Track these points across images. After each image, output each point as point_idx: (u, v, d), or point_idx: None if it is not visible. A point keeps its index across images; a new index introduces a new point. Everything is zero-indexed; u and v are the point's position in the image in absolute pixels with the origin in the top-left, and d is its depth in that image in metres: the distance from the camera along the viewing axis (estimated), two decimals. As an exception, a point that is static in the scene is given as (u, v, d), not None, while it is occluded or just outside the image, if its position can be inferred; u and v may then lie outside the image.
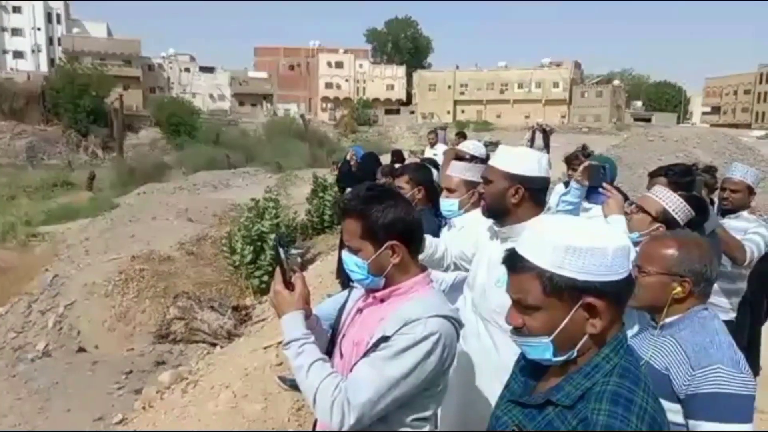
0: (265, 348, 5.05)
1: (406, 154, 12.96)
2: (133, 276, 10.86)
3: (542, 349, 1.24)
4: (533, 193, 2.25)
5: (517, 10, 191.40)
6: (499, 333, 2.17)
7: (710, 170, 4.29)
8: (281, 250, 1.80)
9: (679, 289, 1.82)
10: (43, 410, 6.11)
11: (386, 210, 1.69)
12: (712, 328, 1.79)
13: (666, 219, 2.56)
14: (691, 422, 1.68)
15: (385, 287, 1.75)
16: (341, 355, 1.79)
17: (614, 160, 4.59)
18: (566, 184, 4.96)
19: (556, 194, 4.88)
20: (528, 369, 1.37)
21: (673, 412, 1.72)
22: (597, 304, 1.20)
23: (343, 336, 1.83)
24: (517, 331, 1.28)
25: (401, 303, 1.70)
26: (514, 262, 1.26)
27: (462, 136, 11.41)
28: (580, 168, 3.17)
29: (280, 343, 5.17)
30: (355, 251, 1.73)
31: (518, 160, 2.27)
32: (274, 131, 48.45)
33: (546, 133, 12.18)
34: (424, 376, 1.60)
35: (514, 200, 2.23)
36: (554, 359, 1.24)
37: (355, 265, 1.73)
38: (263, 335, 5.93)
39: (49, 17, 62.72)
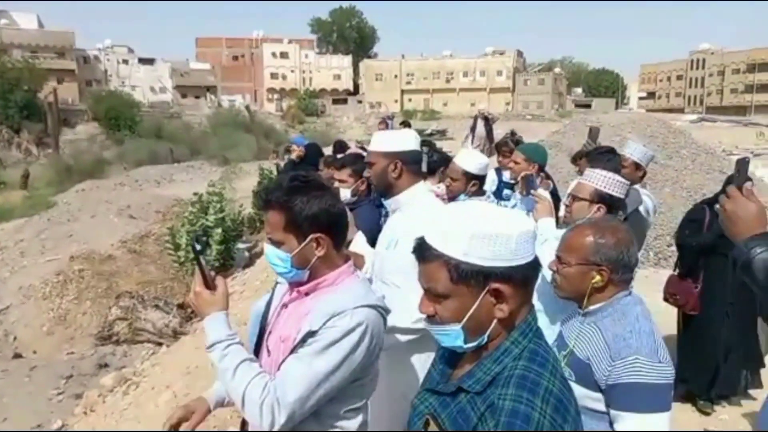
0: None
1: (352, 144, 12.94)
2: (72, 277, 10.50)
3: (454, 337, 1.26)
4: (409, 166, 2.43)
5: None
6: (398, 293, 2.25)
7: (613, 151, 4.48)
8: (198, 250, 1.74)
9: (597, 278, 1.83)
10: (-23, 421, 5.84)
11: (310, 202, 1.66)
12: (633, 315, 1.80)
13: (602, 198, 2.64)
14: (612, 412, 1.71)
15: (309, 280, 1.74)
16: (268, 353, 1.76)
17: (544, 146, 4.72)
18: (497, 170, 5.07)
19: (489, 181, 4.99)
20: (446, 356, 1.39)
21: (596, 401, 1.76)
22: (503, 289, 1.21)
23: (270, 333, 1.80)
24: (430, 319, 1.29)
25: (326, 295, 1.69)
26: (422, 250, 1.26)
27: (406, 125, 11.51)
28: (519, 179, 3.51)
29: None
30: (277, 244, 1.69)
31: (392, 139, 2.49)
32: (219, 123, 47.32)
33: (488, 121, 12.17)
34: (353, 367, 1.60)
35: (394, 174, 2.40)
36: (465, 346, 1.26)
37: (277, 258, 1.70)
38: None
39: (-28, 7, 59.26)
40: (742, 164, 1.66)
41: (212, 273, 1.75)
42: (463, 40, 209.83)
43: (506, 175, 4.61)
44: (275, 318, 1.82)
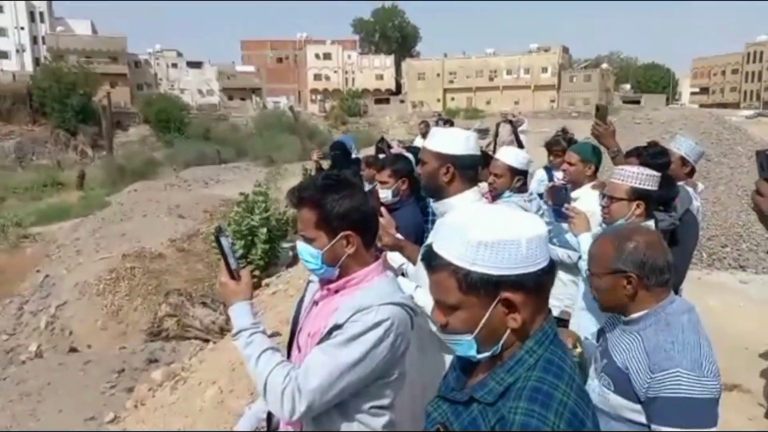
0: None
1: (394, 144, 12.90)
2: (124, 274, 10.87)
3: (466, 347, 1.22)
4: (463, 171, 2.33)
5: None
6: None
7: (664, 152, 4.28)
8: (223, 242, 1.79)
9: (628, 286, 1.77)
10: (35, 412, 6.10)
11: (341, 200, 1.68)
12: (678, 326, 1.73)
13: (638, 195, 2.58)
14: (653, 427, 1.65)
15: (339, 278, 1.76)
16: (299, 349, 1.79)
17: (597, 144, 4.58)
18: (547, 170, 4.96)
19: (536, 181, 4.89)
20: (462, 362, 1.34)
21: (635, 412, 1.70)
22: (515, 298, 1.16)
23: (300, 330, 1.83)
24: (443, 329, 1.25)
25: (354, 293, 1.71)
26: (430, 259, 1.22)
27: (449, 123, 11.40)
28: (545, 190, 3.36)
29: (269, 336, 5.18)
30: (309, 241, 1.72)
31: (448, 140, 2.36)
32: (264, 125, 48.27)
33: (513, 125, 11.72)
34: (375, 363, 1.60)
35: (445, 178, 2.32)
36: (479, 356, 1.22)
37: (309, 255, 1.73)
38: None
39: (32, 16, 61.88)
40: (764, 157, 1.58)
41: (239, 264, 1.80)
42: (506, 38, 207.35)
43: (558, 176, 4.46)
44: (306, 315, 1.85)
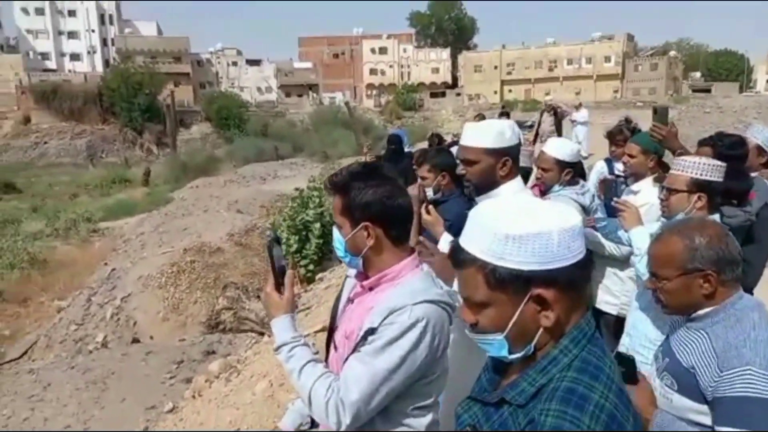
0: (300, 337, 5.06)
1: (449, 137, 12.73)
2: (184, 268, 11.20)
3: (498, 347, 1.15)
4: (515, 161, 2.29)
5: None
6: None
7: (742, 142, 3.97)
8: (275, 252, 1.77)
9: (706, 285, 1.65)
10: (100, 399, 6.36)
11: (366, 190, 1.65)
12: (749, 322, 1.61)
13: (700, 186, 2.40)
14: (718, 428, 1.54)
15: (368, 272, 1.73)
16: (335, 348, 1.78)
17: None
18: (608, 161, 4.73)
19: (596, 172, 4.66)
20: (494, 362, 1.28)
21: (700, 413, 1.60)
22: (547, 294, 1.09)
23: (337, 328, 1.82)
24: (473, 328, 1.18)
25: (388, 290, 1.67)
26: (456, 255, 1.16)
27: (505, 115, 11.13)
28: (598, 183, 3.13)
29: (317, 331, 5.19)
30: (338, 227, 1.73)
31: (496, 133, 2.28)
32: (320, 121, 48.87)
33: (556, 114, 11.23)
34: (416, 365, 1.57)
35: (502, 173, 2.27)
36: (510, 356, 1.15)
37: (337, 240, 1.74)
38: (305, 324, 5.97)
39: (102, 19, 65.01)
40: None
41: (288, 272, 1.78)
42: (568, 27, 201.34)
43: (618, 167, 4.25)
44: (342, 313, 1.84)
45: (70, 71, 60.04)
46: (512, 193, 2.27)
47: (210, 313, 9.50)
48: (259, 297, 9.15)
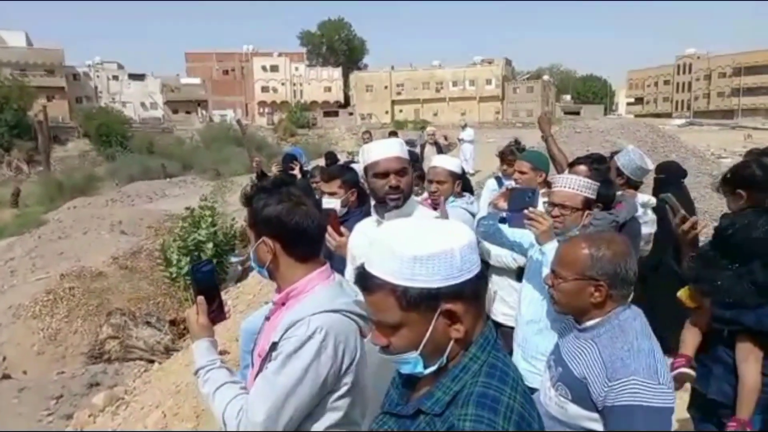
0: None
1: (343, 156, 12.87)
2: (62, 295, 10.36)
3: (413, 364, 1.20)
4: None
5: (448, 9, 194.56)
6: None
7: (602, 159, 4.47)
8: (198, 274, 1.82)
9: (596, 294, 1.76)
10: (-36, 444, 5.73)
11: (267, 205, 1.68)
12: (632, 332, 1.72)
13: (588, 203, 2.64)
14: None
15: (279, 285, 1.76)
16: (253, 366, 1.77)
17: (545, 153, 4.70)
18: (498, 179, 5.04)
19: (488, 190, 4.94)
20: (403, 377, 1.33)
21: (593, 421, 1.70)
22: (456, 308, 1.15)
23: (254, 347, 1.82)
24: (384, 350, 1.23)
25: (294, 305, 1.67)
26: (365, 280, 1.19)
27: (393, 134, 11.48)
28: (500, 191, 3.18)
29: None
30: (250, 240, 1.80)
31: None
32: (211, 138, 47.49)
33: (439, 146, 11.75)
34: (320, 377, 1.55)
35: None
36: (426, 371, 1.20)
37: (250, 254, 1.81)
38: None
39: (-39, 27, 59.18)
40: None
41: (199, 297, 1.80)
42: (451, 51, 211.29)
43: (508, 184, 4.50)
44: (260, 332, 1.84)
45: None
46: (412, 208, 2.39)
47: (93, 342, 8.83)
48: (148, 323, 8.67)
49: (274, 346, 1.58)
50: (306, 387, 1.54)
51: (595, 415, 1.68)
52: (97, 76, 66.28)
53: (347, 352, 1.61)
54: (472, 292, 1.17)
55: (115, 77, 67.11)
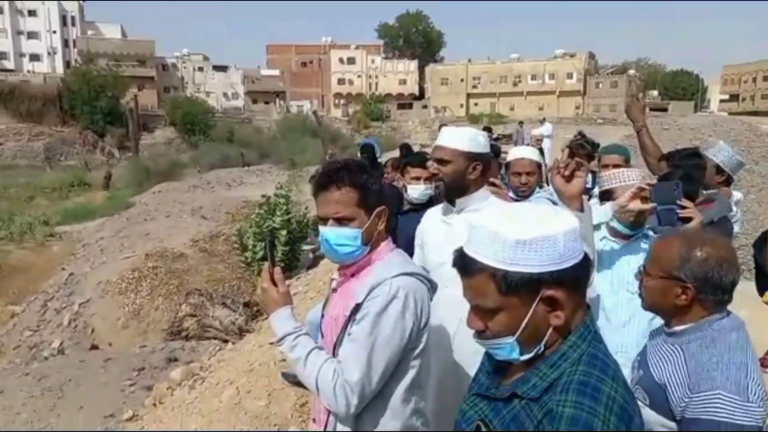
0: (272, 344, 5.02)
1: (416, 149, 12.81)
2: (146, 274, 10.94)
3: (509, 350, 1.19)
4: (485, 169, 2.39)
5: (530, 2, 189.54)
6: None
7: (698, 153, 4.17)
8: (273, 248, 1.92)
9: (682, 296, 1.65)
10: (56, 407, 6.14)
11: (373, 178, 1.79)
12: (724, 344, 1.60)
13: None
14: None
15: (357, 261, 1.82)
16: (322, 335, 1.85)
17: (630, 149, 4.47)
18: (593, 174, 4.86)
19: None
20: (493, 362, 1.32)
21: (669, 429, 1.62)
22: (557, 295, 1.14)
23: (323, 317, 1.89)
24: (480, 334, 1.22)
25: (369, 271, 1.78)
26: (464, 264, 1.19)
27: (487, 130, 11.35)
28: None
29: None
30: (348, 221, 1.75)
31: (472, 139, 2.37)
32: (287, 128, 48.66)
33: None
34: (406, 333, 1.65)
35: (472, 176, 2.34)
36: (522, 357, 1.19)
37: (346, 237, 1.75)
38: (271, 331, 5.92)
39: (63, 20, 63.39)
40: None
41: (277, 268, 1.86)
42: (532, 44, 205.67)
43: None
44: (327, 304, 1.92)
45: (29, 72, 58.30)
46: (487, 198, 2.38)
47: (172, 320, 9.28)
48: (224, 304, 9.02)
49: (357, 307, 1.66)
50: (394, 343, 1.64)
51: (672, 424, 1.60)
52: (184, 67, 69.29)
53: (424, 312, 1.72)
54: (574, 279, 1.16)
55: (201, 68, 69.92)
